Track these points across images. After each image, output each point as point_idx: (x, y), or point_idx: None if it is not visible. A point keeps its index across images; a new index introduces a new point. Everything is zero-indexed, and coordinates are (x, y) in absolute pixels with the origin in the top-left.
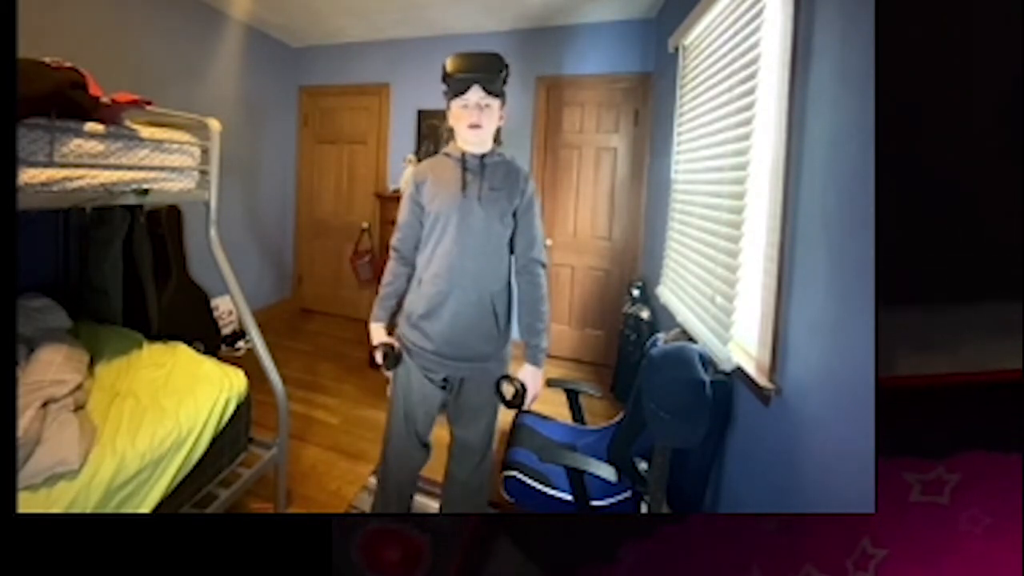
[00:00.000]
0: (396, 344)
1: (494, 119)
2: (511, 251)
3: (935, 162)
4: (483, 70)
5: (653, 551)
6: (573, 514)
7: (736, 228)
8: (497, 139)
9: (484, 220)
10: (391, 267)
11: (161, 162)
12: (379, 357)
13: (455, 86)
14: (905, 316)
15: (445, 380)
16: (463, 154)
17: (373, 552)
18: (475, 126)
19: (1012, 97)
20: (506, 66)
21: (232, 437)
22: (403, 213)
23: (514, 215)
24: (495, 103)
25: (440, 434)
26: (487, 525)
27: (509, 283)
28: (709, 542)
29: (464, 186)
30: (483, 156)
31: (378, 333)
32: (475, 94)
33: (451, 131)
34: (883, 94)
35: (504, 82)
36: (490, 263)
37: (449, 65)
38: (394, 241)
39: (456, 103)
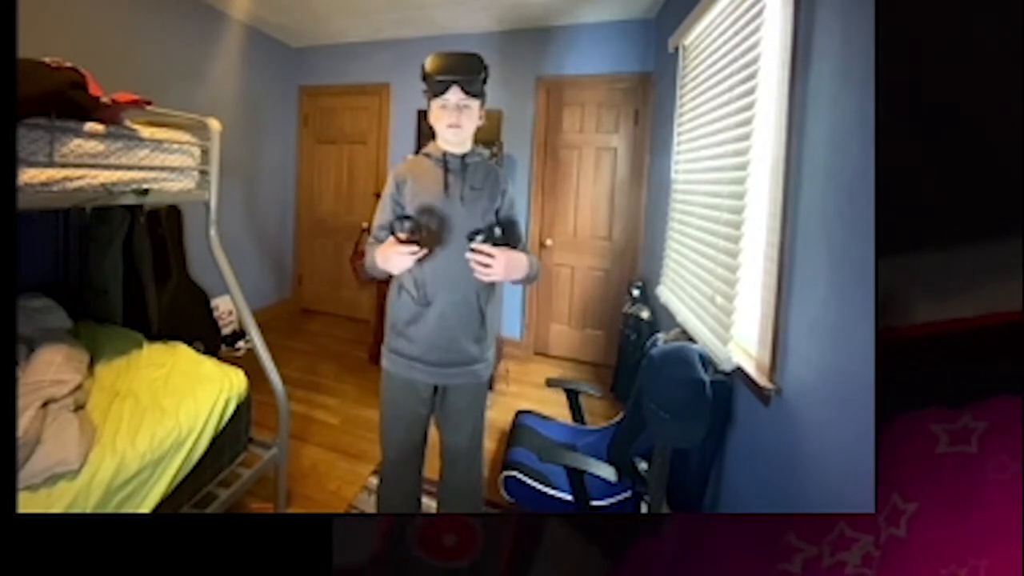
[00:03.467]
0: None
1: (474, 119)
2: None
3: (940, 91)
4: (462, 71)
5: (696, 524)
6: (601, 515)
7: (736, 228)
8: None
9: (467, 219)
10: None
11: (161, 162)
12: (403, 236)
13: (434, 87)
14: (919, 261)
15: (434, 388)
16: (444, 154)
17: (432, 539)
18: (454, 126)
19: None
20: (486, 67)
21: (232, 437)
22: (382, 214)
23: (496, 214)
24: (475, 103)
25: (434, 435)
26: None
27: (492, 281)
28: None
29: (446, 186)
30: (464, 156)
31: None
32: (454, 95)
33: (432, 130)
34: (883, 92)
35: (484, 82)
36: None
37: (428, 65)
38: (373, 241)
39: (435, 103)
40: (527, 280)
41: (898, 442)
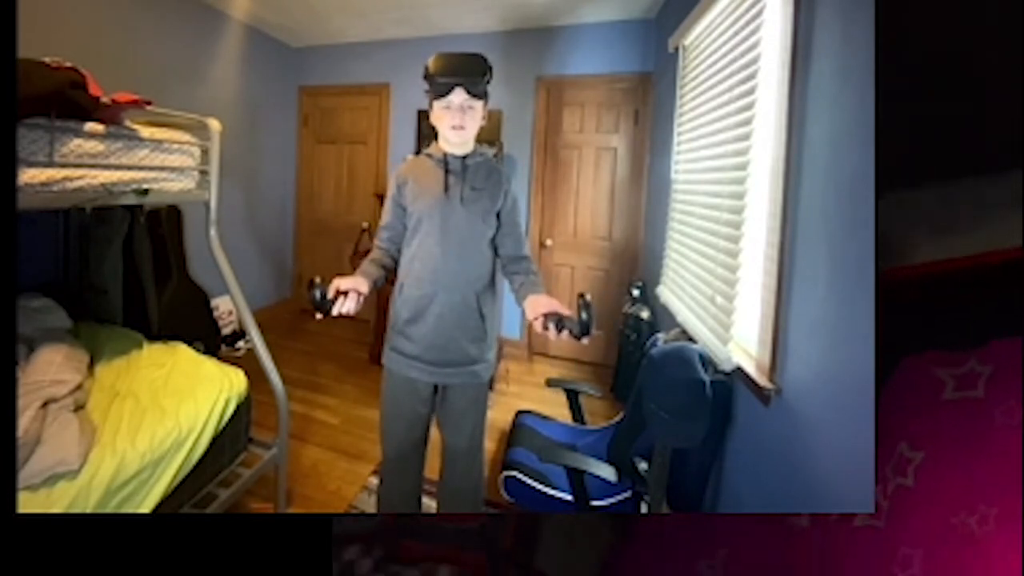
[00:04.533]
0: (354, 292)
1: (477, 120)
2: (495, 251)
3: (940, 38)
4: (466, 73)
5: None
6: (601, 514)
7: (736, 228)
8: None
9: (467, 220)
10: (373, 251)
11: (161, 162)
12: (329, 292)
13: (437, 88)
14: (919, 197)
15: (434, 388)
16: (445, 155)
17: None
18: (458, 128)
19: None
20: (490, 68)
21: (232, 437)
22: (386, 215)
23: (498, 215)
24: (478, 104)
25: (436, 435)
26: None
27: (492, 283)
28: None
29: (446, 187)
30: (465, 157)
31: (350, 279)
32: (458, 96)
33: (434, 130)
34: (883, 92)
35: (488, 83)
36: (474, 263)
37: (431, 66)
38: (377, 241)
39: (438, 104)
40: None
41: (903, 389)
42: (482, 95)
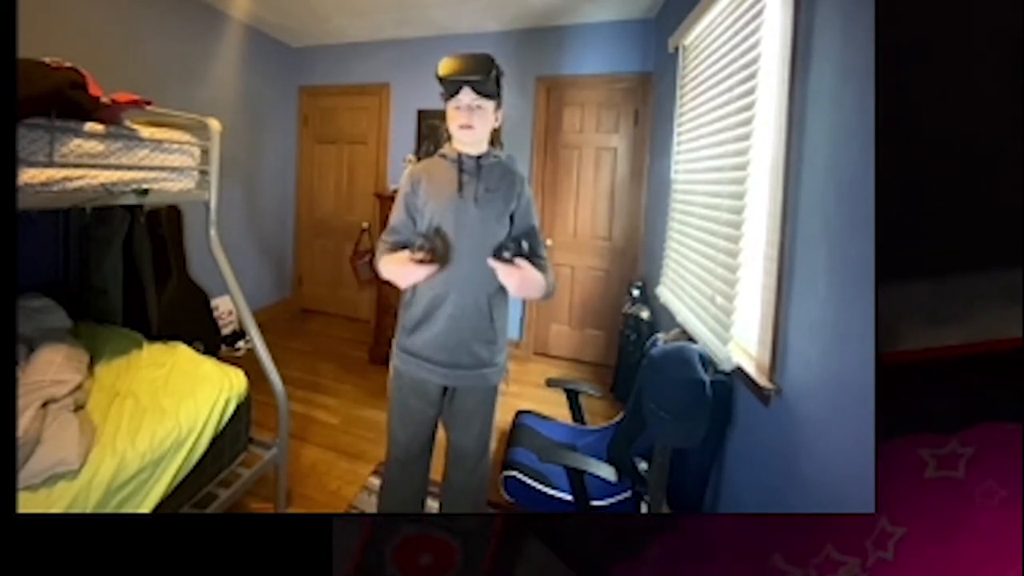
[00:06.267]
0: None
1: (487, 120)
2: None
3: (938, 126)
4: (473, 72)
5: (679, 546)
6: (601, 514)
7: (736, 228)
8: (496, 141)
9: (480, 221)
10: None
11: (161, 162)
12: (419, 256)
13: (447, 88)
14: (911, 289)
15: (443, 389)
16: (459, 155)
17: (407, 557)
18: (466, 127)
19: (1014, 64)
20: (497, 67)
21: (232, 437)
22: (397, 213)
23: (511, 217)
24: (488, 104)
25: (441, 435)
26: (516, 524)
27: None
28: (731, 532)
29: (460, 187)
30: (479, 157)
31: (394, 258)
32: (466, 96)
33: (449, 132)
34: (883, 92)
35: (497, 83)
36: (486, 265)
37: (441, 68)
38: (385, 238)
39: (450, 105)
40: (543, 298)
41: (887, 466)
42: (491, 95)
